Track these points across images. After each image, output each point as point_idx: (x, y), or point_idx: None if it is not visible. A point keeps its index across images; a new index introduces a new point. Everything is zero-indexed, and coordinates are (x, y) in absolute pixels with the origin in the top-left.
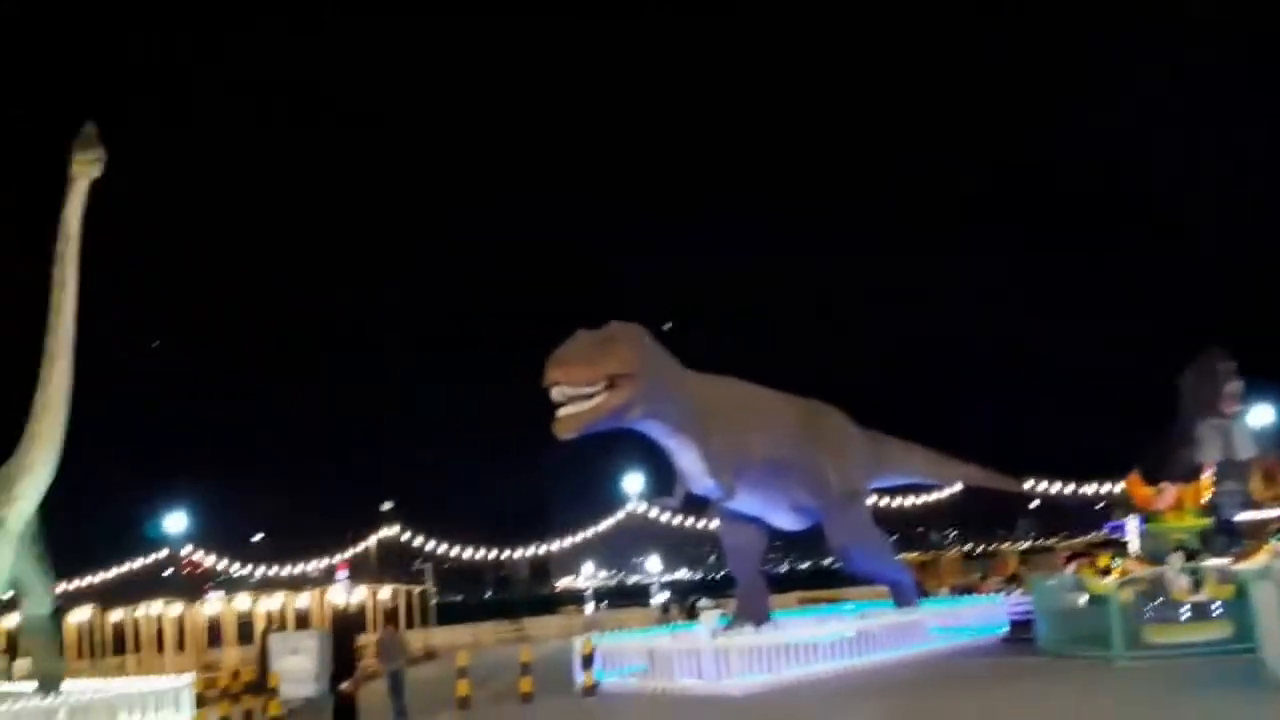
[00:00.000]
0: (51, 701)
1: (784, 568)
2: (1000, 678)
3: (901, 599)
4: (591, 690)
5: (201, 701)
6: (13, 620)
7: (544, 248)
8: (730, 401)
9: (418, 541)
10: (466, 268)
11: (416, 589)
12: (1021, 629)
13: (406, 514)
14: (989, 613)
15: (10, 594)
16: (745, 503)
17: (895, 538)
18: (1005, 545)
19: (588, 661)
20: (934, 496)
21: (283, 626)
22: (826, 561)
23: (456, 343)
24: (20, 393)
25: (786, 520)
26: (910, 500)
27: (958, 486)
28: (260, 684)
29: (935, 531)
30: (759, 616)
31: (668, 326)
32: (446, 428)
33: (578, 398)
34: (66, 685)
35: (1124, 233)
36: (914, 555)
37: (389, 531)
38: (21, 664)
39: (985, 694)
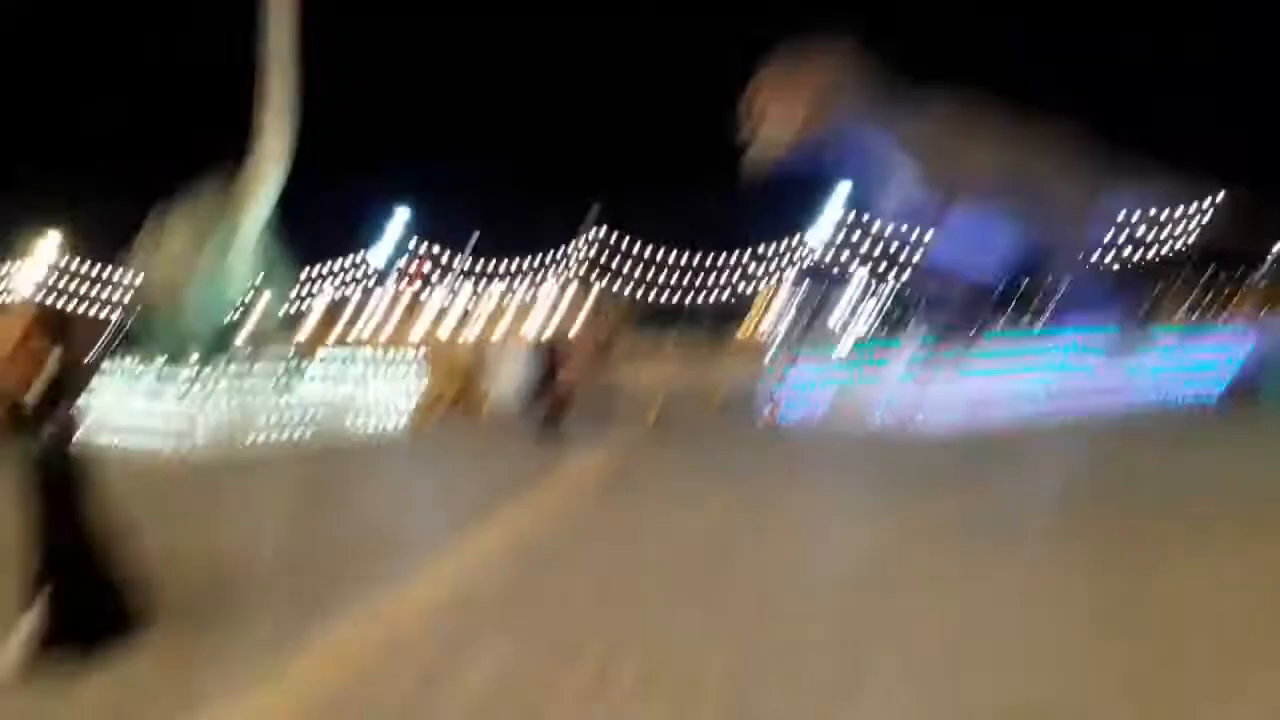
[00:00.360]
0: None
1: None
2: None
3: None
4: (775, 422)
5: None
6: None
7: None
8: (948, 121)
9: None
10: None
11: (611, 315)
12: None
13: (617, 218)
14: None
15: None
16: (957, 228)
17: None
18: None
19: (772, 394)
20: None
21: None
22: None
23: None
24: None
25: (998, 254)
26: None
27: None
28: (472, 388)
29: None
30: (966, 343)
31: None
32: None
33: (787, 119)
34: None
35: None
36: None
37: (597, 235)
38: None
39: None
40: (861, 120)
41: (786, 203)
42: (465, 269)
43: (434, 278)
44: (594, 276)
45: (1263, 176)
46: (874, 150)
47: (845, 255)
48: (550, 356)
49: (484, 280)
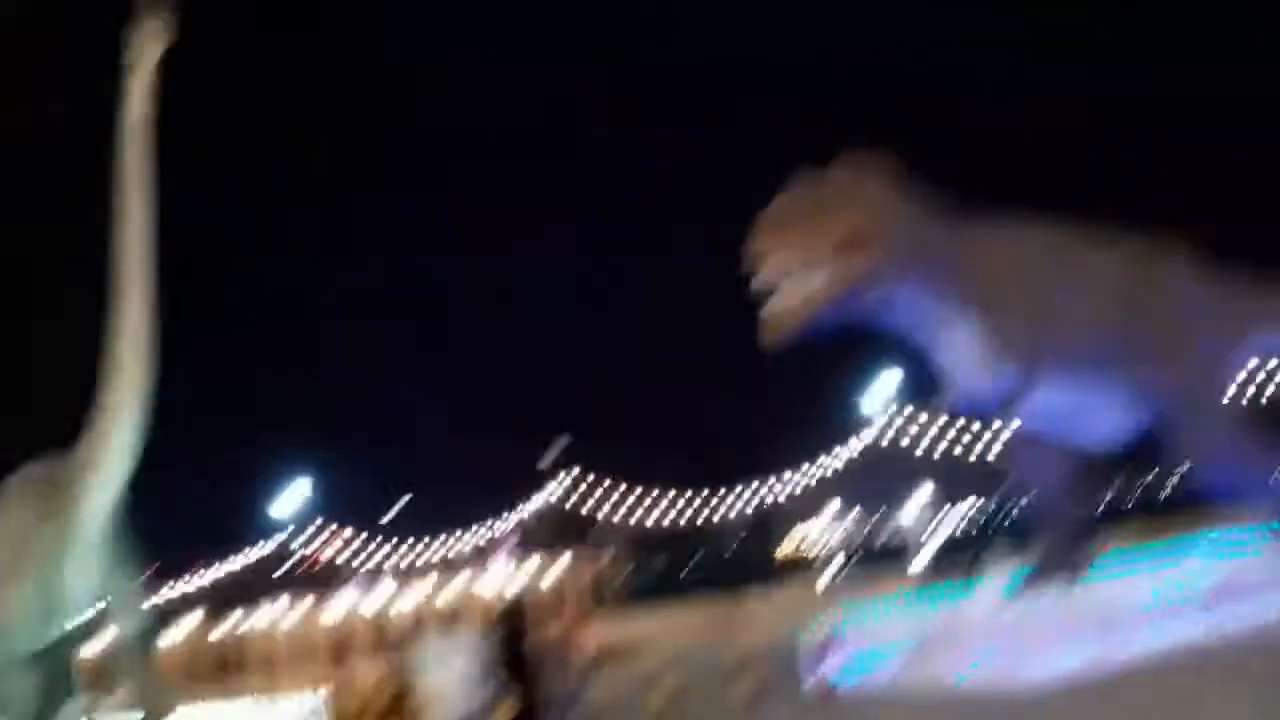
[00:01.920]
0: None
1: (1110, 494)
2: None
3: None
4: (830, 692)
5: None
6: (101, 643)
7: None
8: (1020, 255)
9: (592, 502)
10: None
11: (595, 565)
12: None
13: (587, 463)
14: None
15: (96, 611)
16: (1050, 403)
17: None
18: None
19: (823, 652)
20: None
21: (437, 624)
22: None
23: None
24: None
25: (1109, 425)
26: None
27: None
28: (401, 705)
29: None
30: (1074, 568)
31: None
32: (629, 338)
33: (803, 272)
34: (178, 714)
35: None
36: None
37: (556, 488)
38: (119, 694)
39: None
40: (911, 268)
41: (818, 387)
42: (387, 542)
43: (345, 558)
44: (566, 526)
45: None
46: (928, 311)
47: (905, 450)
48: (511, 634)
49: (416, 552)
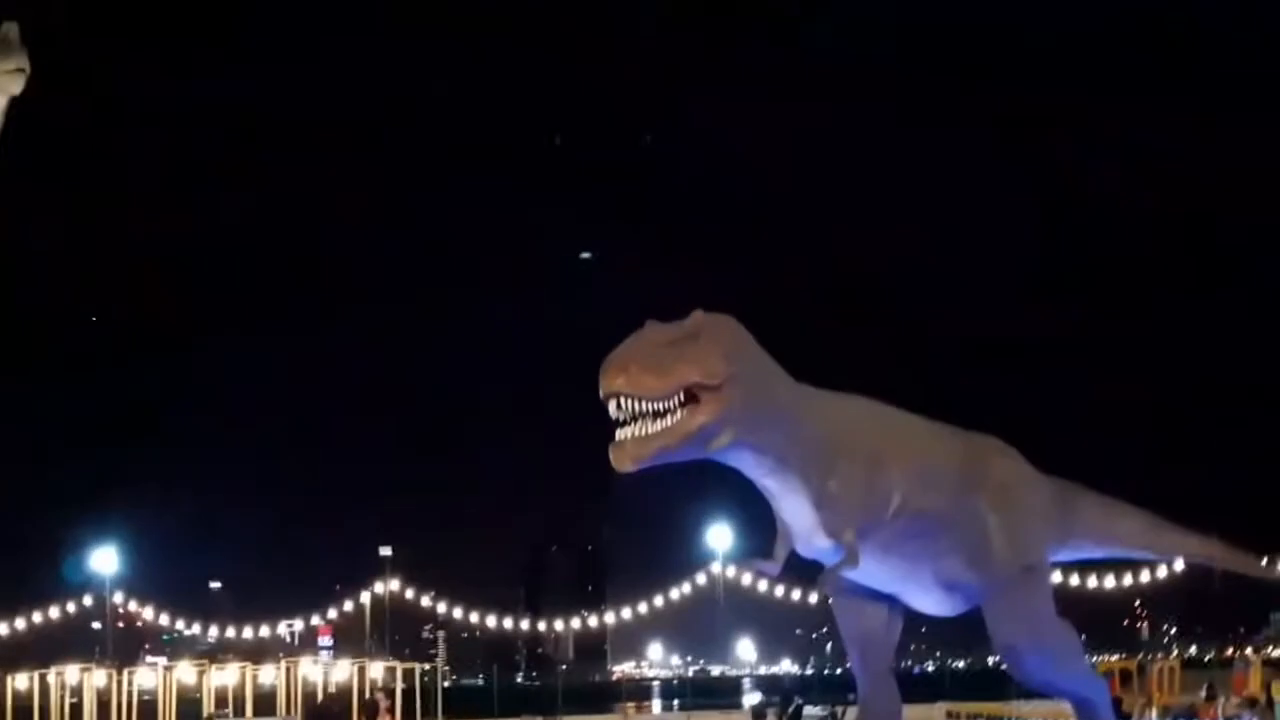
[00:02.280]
0: None
1: (928, 667)
2: None
3: None
4: None
5: None
6: None
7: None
8: (857, 429)
9: (426, 602)
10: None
11: (420, 667)
12: None
13: (413, 564)
14: None
15: None
16: (874, 573)
17: (1086, 634)
18: (1247, 651)
19: None
20: (1147, 577)
21: (239, 710)
22: (990, 661)
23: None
24: None
25: (930, 601)
26: (1112, 581)
27: (1179, 564)
28: None
29: (1150, 626)
30: None
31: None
32: (469, 452)
33: (644, 416)
34: None
35: None
36: (1113, 660)
37: (387, 587)
38: None
39: None
40: (752, 424)
41: (653, 549)
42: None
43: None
44: (384, 643)
45: None
46: (767, 468)
47: (734, 598)
48: None
49: (223, 653)
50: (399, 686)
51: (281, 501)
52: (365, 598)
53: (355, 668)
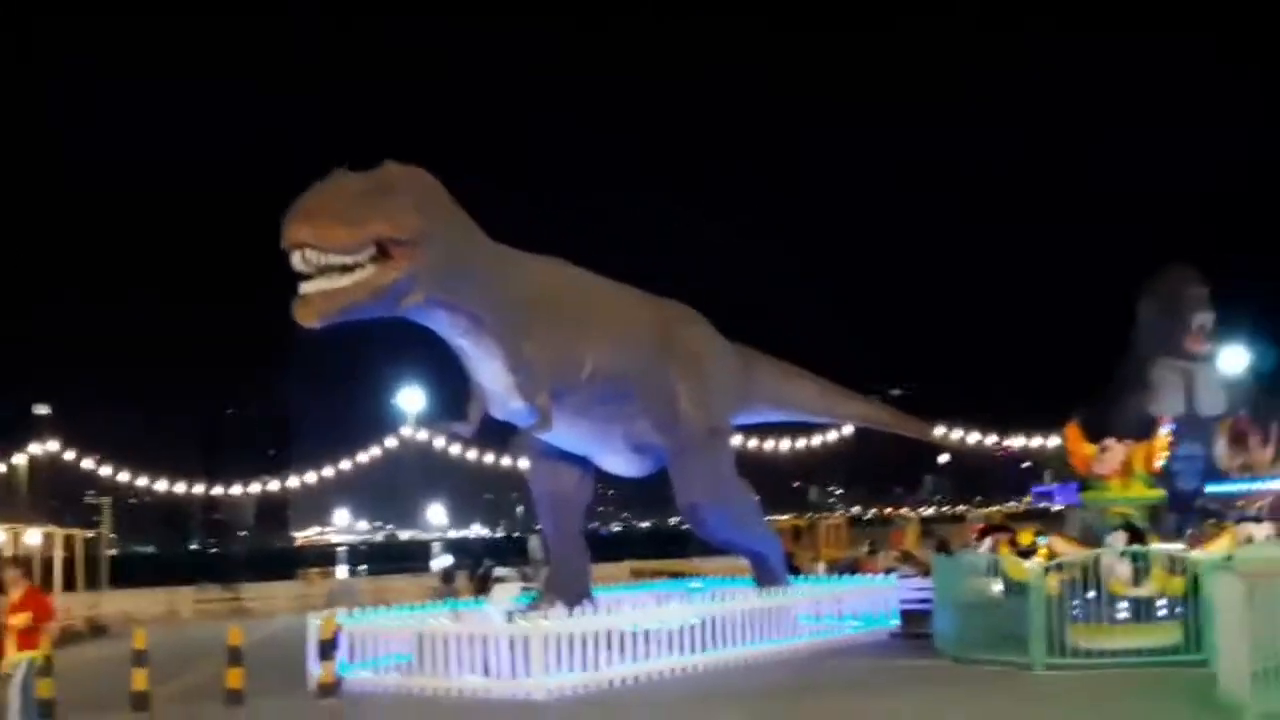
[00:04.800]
0: None
1: (615, 527)
2: (882, 687)
3: (765, 576)
4: (331, 689)
5: None
6: None
7: None
8: (555, 293)
9: (87, 465)
10: None
11: (83, 534)
12: (917, 621)
13: (71, 423)
14: (878, 598)
15: None
16: (566, 435)
17: (761, 495)
18: (904, 510)
19: (327, 649)
20: (817, 440)
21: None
22: (672, 521)
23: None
24: None
25: (621, 462)
26: (788, 444)
27: (848, 429)
28: None
29: (818, 488)
30: (575, 592)
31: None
32: (140, 305)
33: (331, 269)
34: None
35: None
36: (785, 519)
37: (44, 448)
38: None
39: (858, 710)
40: (444, 282)
41: (339, 408)
42: None
43: None
44: (41, 508)
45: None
46: (460, 327)
47: (426, 460)
48: None
49: None
50: (58, 554)
51: None
52: (21, 459)
53: (9, 534)
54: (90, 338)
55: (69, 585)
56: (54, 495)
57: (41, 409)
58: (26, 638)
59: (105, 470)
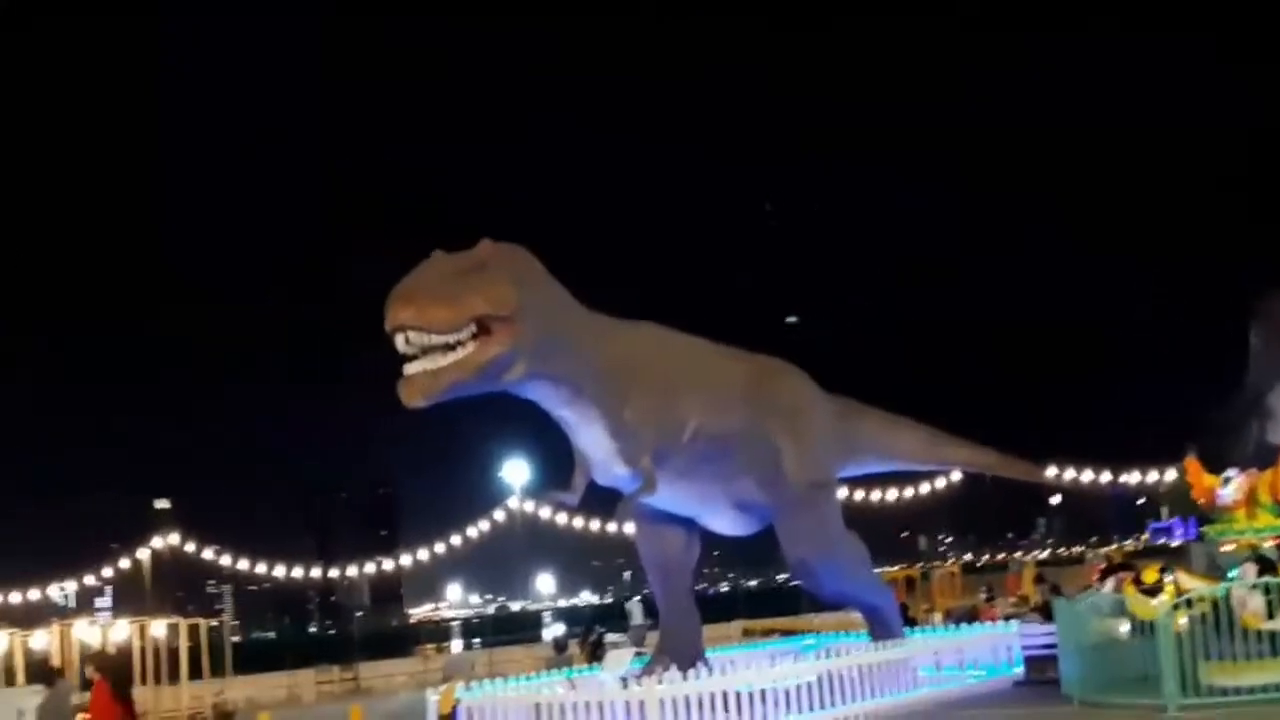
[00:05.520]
0: None
1: (723, 587)
2: None
3: (880, 629)
4: None
5: None
6: None
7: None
8: (650, 356)
9: (209, 555)
10: None
11: (206, 622)
12: (1041, 667)
13: (191, 515)
14: (998, 646)
15: None
16: (670, 498)
17: (871, 546)
18: (1019, 554)
19: None
20: (926, 489)
21: (9, 679)
22: (780, 578)
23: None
24: None
25: (726, 522)
26: (894, 494)
27: (956, 475)
28: None
29: (927, 537)
30: (688, 655)
31: None
32: (245, 399)
33: (434, 349)
34: None
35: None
36: (898, 570)
37: (166, 541)
38: None
39: None
40: (543, 356)
41: (447, 485)
42: None
43: None
44: (166, 599)
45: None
46: (562, 398)
47: (533, 531)
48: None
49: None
50: (184, 644)
51: (47, 460)
52: (144, 553)
53: (135, 626)
54: (199, 432)
55: (195, 673)
56: (178, 586)
57: (161, 503)
58: None
59: (225, 560)
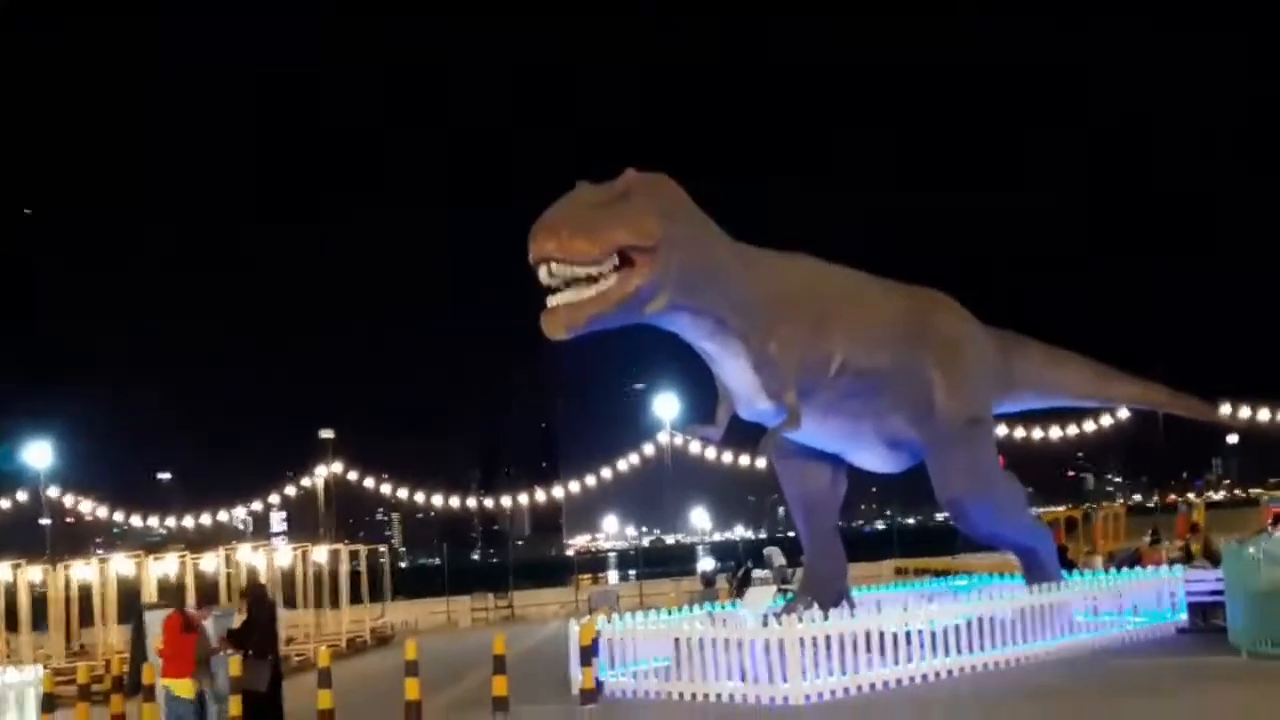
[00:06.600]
0: None
1: (879, 525)
2: (1174, 686)
3: (1036, 571)
4: (591, 695)
5: (51, 704)
6: None
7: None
8: (799, 289)
9: (370, 484)
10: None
11: (368, 548)
12: (1207, 615)
13: (356, 446)
14: (1162, 591)
15: None
16: (816, 433)
17: (1032, 486)
18: (1189, 496)
19: (587, 655)
20: (1090, 426)
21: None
22: (939, 518)
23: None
24: None
25: (876, 459)
26: (1056, 431)
27: (1123, 412)
28: (135, 678)
29: (1095, 477)
30: (832, 593)
31: None
32: (411, 325)
33: (577, 281)
34: None
35: None
36: (1059, 510)
37: (330, 469)
38: None
39: (1152, 712)
40: (688, 287)
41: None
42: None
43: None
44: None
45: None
46: (706, 330)
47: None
48: (259, 609)
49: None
50: (344, 569)
51: (225, 391)
52: (318, 482)
53: (298, 552)
54: (366, 365)
55: (356, 598)
56: (348, 515)
57: (326, 433)
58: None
59: (386, 488)
